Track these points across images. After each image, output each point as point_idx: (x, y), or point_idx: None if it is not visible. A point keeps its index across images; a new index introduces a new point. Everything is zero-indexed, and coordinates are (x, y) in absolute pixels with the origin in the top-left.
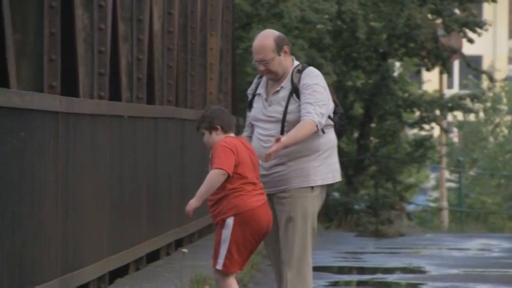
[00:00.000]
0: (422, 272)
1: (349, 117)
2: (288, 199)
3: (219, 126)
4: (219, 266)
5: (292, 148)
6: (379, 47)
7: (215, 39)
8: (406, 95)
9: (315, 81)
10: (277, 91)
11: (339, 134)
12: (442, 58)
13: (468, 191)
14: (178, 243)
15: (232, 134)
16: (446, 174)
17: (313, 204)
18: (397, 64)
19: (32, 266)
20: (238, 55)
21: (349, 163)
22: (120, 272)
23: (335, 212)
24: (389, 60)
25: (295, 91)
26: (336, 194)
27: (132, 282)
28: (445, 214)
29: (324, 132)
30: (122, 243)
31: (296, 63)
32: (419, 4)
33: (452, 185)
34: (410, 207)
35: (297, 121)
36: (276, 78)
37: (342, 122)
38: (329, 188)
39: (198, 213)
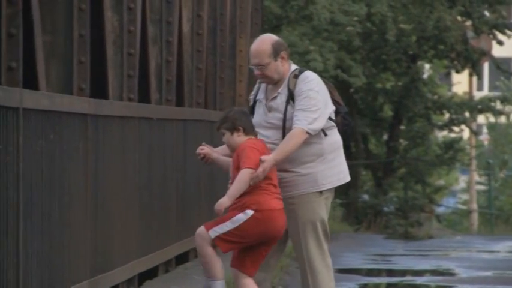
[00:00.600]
0: (452, 274)
1: (379, 120)
2: (297, 205)
3: (241, 128)
4: (212, 234)
5: (295, 155)
6: (408, 49)
7: (244, 41)
8: (435, 97)
9: (309, 87)
10: (275, 97)
11: (345, 134)
12: (471, 60)
13: (498, 193)
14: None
15: (253, 137)
16: (476, 176)
17: (323, 208)
18: (427, 66)
19: (62, 267)
20: None
21: (379, 165)
22: (150, 274)
23: (364, 214)
24: (419, 62)
25: (291, 97)
26: (366, 196)
27: (161, 284)
28: (475, 216)
29: (326, 135)
30: (151, 245)
31: (294, 67)
32: (449, 6)
33: (482, 187)
34: (439, 210)
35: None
36: (271, 83)
37: (346, 121)
38: (357, 190)
39: None
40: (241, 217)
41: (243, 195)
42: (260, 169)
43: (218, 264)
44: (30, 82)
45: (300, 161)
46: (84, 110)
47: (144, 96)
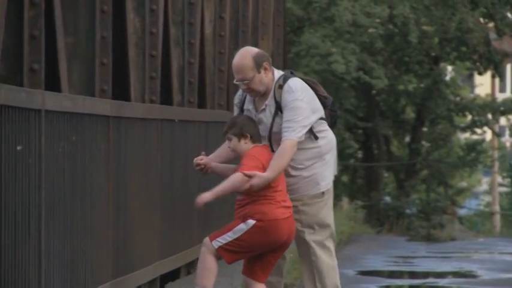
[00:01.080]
0: (474, 276)
1: (401, 122)
2: (300, 207)
3: (248, 135)
4: (215, 244)
5: (295, 161)
6: (431, 50)
7: (266, 43)
8: (458, 99)
9: (293, 97)
10: (264, 109)
11: (334, 124)
12: (494, 62)
13: None
14: None
15: (259, 144)
16: (499, 178)
17: (326, 208)
18: (449, 68)
19: (84, 269)
20: (290, 59)
21: (401, 167)
22: (171, 276)
23: (386, 216)
24: (441, 64)
25: (279, 108)
26: (388, 198)
27: (183, 286)
28: (497, 218)
29: (316, 138)
30: (173, 247)
31: (278, 75)
32: (471, 8)
33: (504, 189)
34: (462, 212)
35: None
36: (258, 95)
37: (333, 112)
38: (379, 192)
39: None
40: (242, 227)
41: (246, 204)
42: (247, 185)
43: (211, 277)
44: (53, 84)
45: (303, 164)
46: (106, 111)
47: (166, 98)
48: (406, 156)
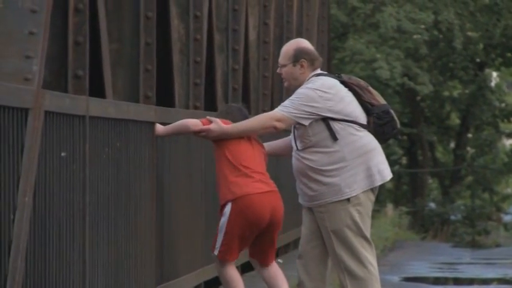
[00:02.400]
0: None
1: (446, 128)
2: (325, 214)
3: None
4: (216, 252)
5: (315, 164)
6: (475, 56)
7: None
8: (503, 105)
9: (307, 85)
10: None
11: (382, 134)
12: None
13: None
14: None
15: None
16: None
17: (354, 214)
18: (494, 74)
19: (128, 276)
20: (334, 65)
21: (446, 173)
22: (215, 283)
23: (431, 223)
24: (486, 70)
25: None
26: (432, 205)
27: None
28: None
29: (335, 139)
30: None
31: (313, 73)
32: None
33: None
34: (507, 218)
35: (303, 135)
36: (288, 87)
37: (381, 120)
38: (424, 198)
39: (295, 224)
40: (223, 220)
41: (219, 187)
42: (205, 127)
43: (239, 286)
44: (97, 90)
45: (321, 169)
46: (150, 118)
47: (210, 104)
48: (451, 163)
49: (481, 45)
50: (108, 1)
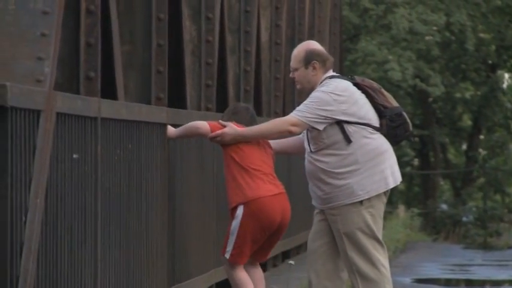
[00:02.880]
0: None
1: (458, 129)
2: (338, 216)
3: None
4: (227, 255)
5: (328, 166)
6: (488, 58)
7: None
8: None
9: (321, 89)
10: None
11: (394, 136)
12: None
13: None
14: (285, 255)
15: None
16: None
17: (365, 217)
18: (506, 75)
19: (139, 277)
20: (346, 67)
21: (458, 175)
22: (227, 284)
23: (443, 224)
24: (498, 72)
25: None
26: (444, 206)
27: None
28: None
29: (349, 142)
30: None
31: (327, 75)
32: None
33: None
34: None
35: (317, 137)
36: (302, 90)
37: (394, 123)
38: (436, 200)
39: (307, 225)
40: (235, 224)
41: (229, 192)
42: (219, 132)
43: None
44: (109, 91)
45: (334, 172)
46: (162, 119)
47: (222, 106)
48: (462, 164)
49: (493, 47)
50: (120, 3)
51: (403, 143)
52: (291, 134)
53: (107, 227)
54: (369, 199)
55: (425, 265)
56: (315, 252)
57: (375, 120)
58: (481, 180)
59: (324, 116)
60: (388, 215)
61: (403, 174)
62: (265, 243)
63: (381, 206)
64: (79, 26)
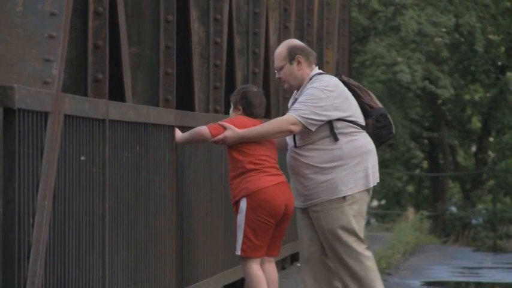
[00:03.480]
0: None
1: (467, 131)
2: (320, 213)
3: (241, 108)
4: (238, 252)
5: (312, 161)
6: (497, 60)
7: (331, 52)
8: None
9: (314, 85)
10: (293, 103)
11: (379, 137)
12: None
13: None
14: (294, 258)
15: (248, 117)
16: None
17: (349, 213)
18: None
19: (147, 280)
20: (355, 69)
21: (467, 177)
22: (235, 287)
23: (452, 227)
24: (508, 74)
25: None
26: (454, 209)
27: None
28: None
29: (337, 139)
30: (236, 257)
31: (315, 72)
32: None
33: None
34: None
35: (306, 133)
36: (290, 88)
37: (379, 123)
38: (445, 202)
39: None
40: (240, 217)
41: (234, 183)
42: (221, 136)
43: (260, 285)
44: (117, 93)
45: (318, 167)
46: (170, 121)
47: (230, 108)
48: (472, 166)
49: (502, 49)
50: (128, 4)
51: (412, 145)
52: (291, 133)
53: (115, 229)
54: (352, 195)
55: (435, 268)
56: (311, 258)
57: (361, 119)
58: (491, 182)
59: (320, 120)
60: (397, 217)
61: (412, 177)
62: (274, 234)
63: (363, 204)
64: (87, 27)
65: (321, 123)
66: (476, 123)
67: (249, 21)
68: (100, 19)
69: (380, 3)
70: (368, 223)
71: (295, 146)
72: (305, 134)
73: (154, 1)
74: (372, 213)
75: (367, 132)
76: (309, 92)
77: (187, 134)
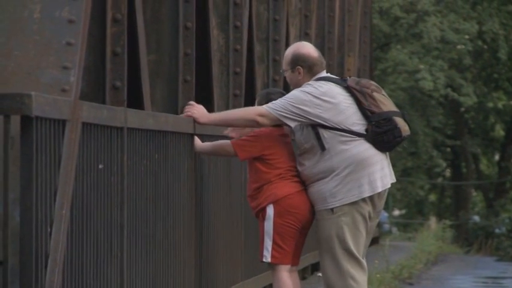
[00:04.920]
0: None
1: (490, 139)
2: (316, 221)
3: None
4: (267, 259)
5: (308, 172)
6: None
7: (353, 59)
8: None
9: (300, 88)
10: None
11: (381, 142)
12: None
13: None
14: (314, 267)
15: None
16: None
17: (338, 226)
18: None
19: None
20: (376, 76)
21: (490, 186)
22: None
23: (475, 236)
24: None
25: None
26: (476, 218)
27: None
28: None
29: (323, 149)
30: (256, 266)
31: (315, 77)
32: None
33: None
34: None
35: (299, 141)
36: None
37: (380, 129)
38: (468, 211)
39: None
40: (268, 224)
41: (256, 196)
42: (189, 113)
43: None
44: (135, 101)
45: (313, 178)
46: (189, 129)
47: None
48: (495, 175)
49: None
50: (146, 11)
51: (435, 153)
52: (257, 124)
53: (134, 238)
54: (340, 207)
55: (458, 278)
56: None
57: (358, 126)
58: None
59: (296, 113)
60: (419, 227)
61: (434, 185)
62: (297, 241)
63: (356, 216)
64: (105, 34)
65: (298, 117)
66: (499, 131)
67: (269, 28)
68: (118, 26)
69: (402, 10)
70: (390, 232)
71: (298, 155)
72: (299, 142)
73: (173, 8)
74: (393, 222)
75: (368, 139)
76: (292, 92)
77: (209, 145)
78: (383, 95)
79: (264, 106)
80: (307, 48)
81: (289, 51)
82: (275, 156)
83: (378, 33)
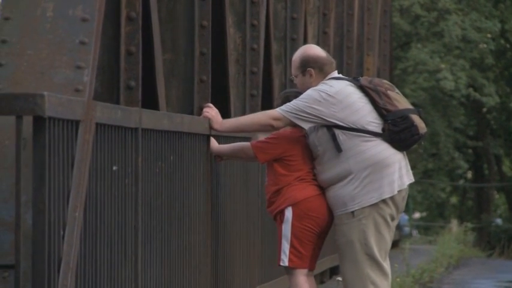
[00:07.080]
0: None
1: None
2: (335, 226)
3: None
4: (285, 263)
5: (323, 177)
6: None
7: (372, 59)
8: None
9: (314, 87)
10: None
11: (399, 141)
12: None
13: None
14: (333, 271)
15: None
16: None
17: (359, 229)
18: None
19: None
20: (396, 75)
21: None
22: None
23: (497, 239)
24: None
25: None
26: (499, 221)
27: None
28: None
29: (339, 150)
30: (273, 270)
31: (328, 77)
32: None
33: None
34: None
35: (313, 144)
36: None
37: (396, 127)
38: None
39: None
40: (286, 227)
41: (274, 199)
42: (208, 111)
43: None
44: (150, 101)
45: (329, 182)
46: (205, 130)
47: None
48: None
49: None
50: (161, 9)
51: (456, 155)
52: (273, 128)
53: (148, 241)
54: (361, 210)
55: (480, 282)
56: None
57: (374, 125)
58: None
59: (309, 114)
60: (440, 230)
61: (456, 188)
62: (315, 245)
63: (377, 219)
64: (119, 33)
65: (312, 118)
66: None
67: (287, 26)
68: (133, 24)
69: (423, 8)
70: (410, 235)
71: (313, 159)
72: (313, 146)
73: (188, 6)
74: (414, 225)
75: (385, 139)
76: (306, 92)
77: (227, 147)
78: (397, 93)
79: (277, 109)
80: (314, 50)
81: (297, 56)
82: (296, 158)
83: (398, 31)
